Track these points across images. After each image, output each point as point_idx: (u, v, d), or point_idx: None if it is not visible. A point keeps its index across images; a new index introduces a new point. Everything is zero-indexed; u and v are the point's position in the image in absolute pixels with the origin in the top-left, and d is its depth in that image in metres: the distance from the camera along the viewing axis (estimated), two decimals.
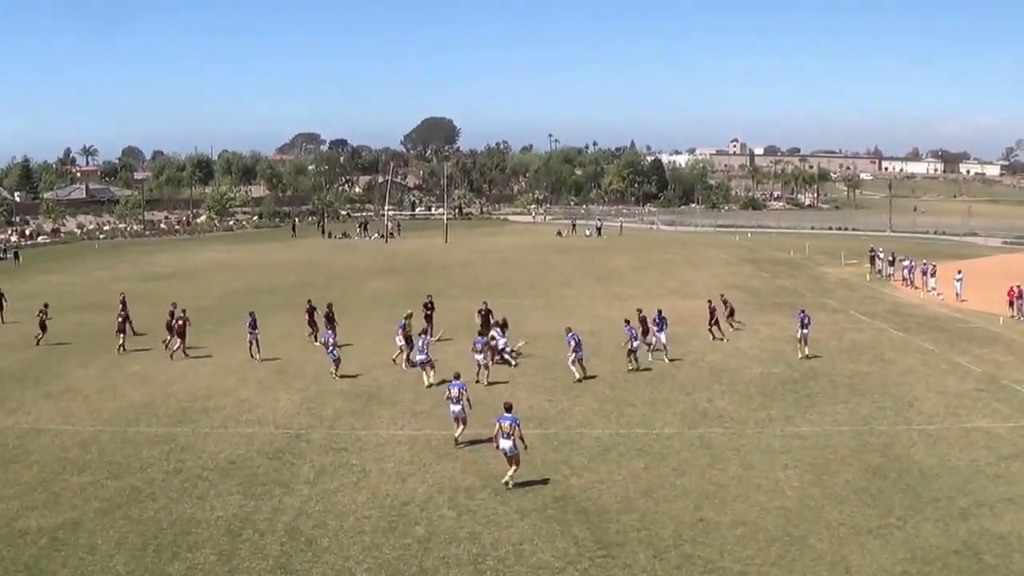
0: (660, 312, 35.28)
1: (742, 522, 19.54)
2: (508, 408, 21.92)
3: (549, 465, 23.11)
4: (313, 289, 52.39)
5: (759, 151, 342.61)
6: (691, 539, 18.71)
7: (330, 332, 33.43)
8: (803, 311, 35.66)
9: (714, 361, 34.32)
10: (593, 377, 31.78)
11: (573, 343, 31.52)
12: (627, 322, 33.12)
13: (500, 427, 21.37)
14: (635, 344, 32.49)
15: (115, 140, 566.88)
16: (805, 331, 34.71)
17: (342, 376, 31.88)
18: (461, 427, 24.40)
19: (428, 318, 39.03)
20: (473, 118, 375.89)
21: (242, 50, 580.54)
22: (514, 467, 21.50)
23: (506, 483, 21.42)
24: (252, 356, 34.50)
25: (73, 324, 43.52)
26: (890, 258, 61.79)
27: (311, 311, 38.56)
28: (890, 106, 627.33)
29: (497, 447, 21.61)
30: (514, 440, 21.29)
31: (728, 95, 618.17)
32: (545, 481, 21.95)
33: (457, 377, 24.94)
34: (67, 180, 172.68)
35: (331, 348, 32.25)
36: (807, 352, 34.47)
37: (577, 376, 31.40)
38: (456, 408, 24.25)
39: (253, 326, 34.87)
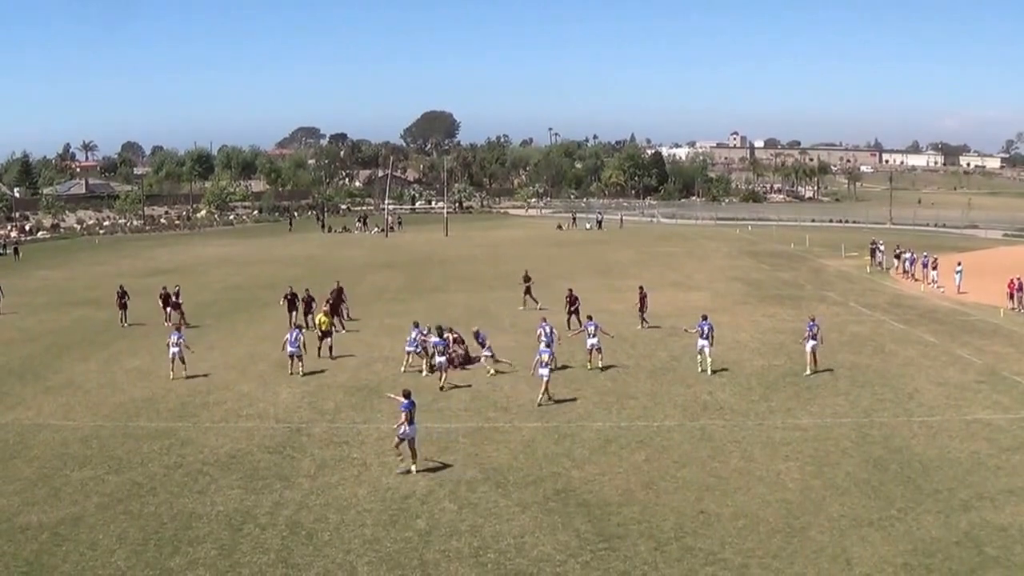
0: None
1: (743, 514, 19.53)
2: (407, 395, 22.51)
3: (550, 458, 23.11)
4: (313, 283, 52.32)
5: (759, 144, 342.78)
6: (692, 531, 18.71)
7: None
8: (813, 320, 31.94)
9: (715, 353, 34.23)
10: (564, 367, 31.90)
11: (545, 331, 31.53)
12: (590, 317, 32.50)
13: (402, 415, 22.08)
14: (594, 342, 31.52)
15: (114, 135, 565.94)
16: (814, 343, 31.04)
17: (336, 357, 32.95)
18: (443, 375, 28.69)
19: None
20: (473, 112, 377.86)
21: (242, 45, 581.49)
22: (410, 454, 22.23)
23: (407, 471, 22.04)
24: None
25: (73, 319, 43.52)
26: (897, 251, 61.29)
27: (308, 301, 39.84)
28: (890, 99, 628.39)
29: (400, 437, 22.10)
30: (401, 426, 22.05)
31: (728, 88, 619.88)
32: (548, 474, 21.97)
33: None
34: (67, 175, 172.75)
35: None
36: (816, 367, 31.12)
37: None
38: (440, 359, 29.06)
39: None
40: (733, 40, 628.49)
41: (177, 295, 41.81)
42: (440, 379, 29.77)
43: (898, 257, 60.44)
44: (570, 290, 40.12)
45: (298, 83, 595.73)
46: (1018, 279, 44.97)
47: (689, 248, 75.81)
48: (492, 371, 31.48)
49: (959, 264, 52.16)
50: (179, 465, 22.92)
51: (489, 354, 31.98)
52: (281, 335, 36.66)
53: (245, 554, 17.83)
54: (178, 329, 34.14)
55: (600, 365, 31.64)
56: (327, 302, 37.83)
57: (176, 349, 31.28)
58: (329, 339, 34.23)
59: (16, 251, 78.70)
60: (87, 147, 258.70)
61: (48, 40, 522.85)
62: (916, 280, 55.05)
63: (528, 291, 44.55)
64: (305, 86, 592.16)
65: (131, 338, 37.34)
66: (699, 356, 31.88)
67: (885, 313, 43.48)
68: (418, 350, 31.74)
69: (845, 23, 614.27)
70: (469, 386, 29.80)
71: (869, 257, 62.97)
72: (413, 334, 31.99)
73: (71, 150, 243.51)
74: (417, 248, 78.24)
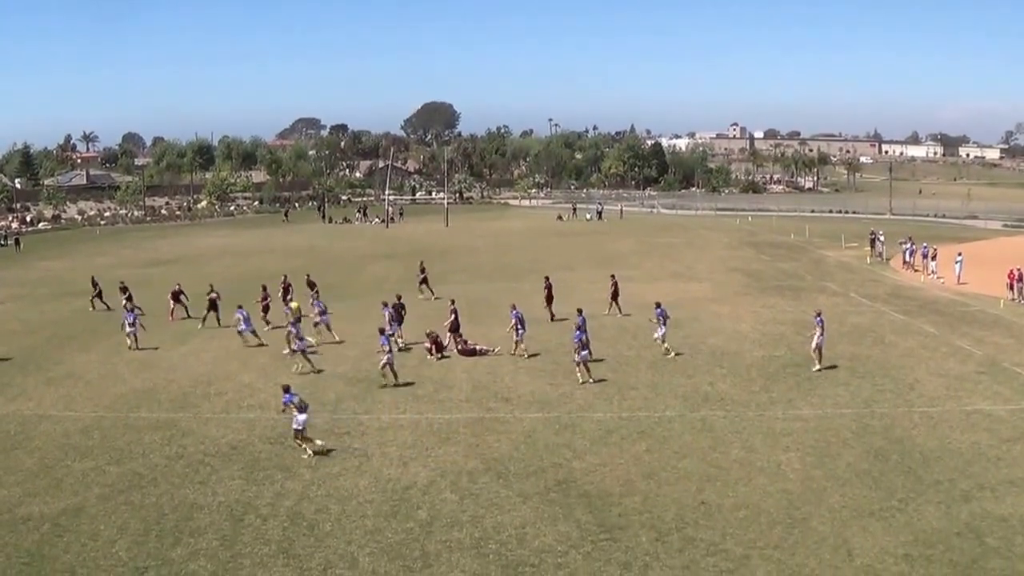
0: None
1: (744, 505, 19.57)
2: (286, 390, 23.57)
3: (551, 448, 23.14)
4: (313, 274, 52.33)
5: (759, 135, 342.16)
6: (693, 522, 18.74)
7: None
8: (819, 315, 31.19)
9: (715, 344, 34.31)
10: (537, 354, 31.96)
11: (515, 320, 32.34)
12: (579, 311, 32.28)
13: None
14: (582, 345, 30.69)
15: (115, 126, 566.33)
16: (822, 338, 30.47)
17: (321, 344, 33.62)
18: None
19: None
20: (473, 103, 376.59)
21: (242, 36, 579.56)
22: (298, 441, 22.91)
23: (313, 453, 22.72)
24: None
25: (74, 310, 43.53)
26: (908, 244, 60.59)
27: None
28: (890, 90, 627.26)
29: (296, 427, 22.87)
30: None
31: (728, 79, 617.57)
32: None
33: None
34: (67, 166, 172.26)
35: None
36: (823, 364, 30.47)
37: (514, 352, 32.43)
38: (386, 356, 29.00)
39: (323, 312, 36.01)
40: (733, 31, 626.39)
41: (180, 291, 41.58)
42: (383, 374, 29.25)
43: (908, 246, 59.17)
44: (547, 278, 40.83)
45: (299, 74, 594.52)
46: (1018, 269, 44.91)
47: (689, 239, 75.76)
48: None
49: (959, 255, 52.12)
50: (180, 456, 22.96)
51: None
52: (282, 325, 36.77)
53: (247, 545, 17.87)
54: (131, 311, 36.01)
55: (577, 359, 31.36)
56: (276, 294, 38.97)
57: (131, 329, 34.55)
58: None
59: (17, 242, 78.71)
60: (88, 138, 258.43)
61: (49, 31, 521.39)
62: (916, 271, 54.98)
63: (424, 281, 46.25)
64: (306, 77, 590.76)
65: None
66: (662, 343, 32.59)
67: (885, 304, 43.47)
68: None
69: (845, 14, 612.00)
70: (411, 383, 29.78)
71: (869, 247, 62.86)
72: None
73: (72, 141, 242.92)
74: (417, 239, 78.17)
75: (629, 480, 21.07)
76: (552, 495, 20.25)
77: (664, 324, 32.68)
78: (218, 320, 37.69)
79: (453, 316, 33.69)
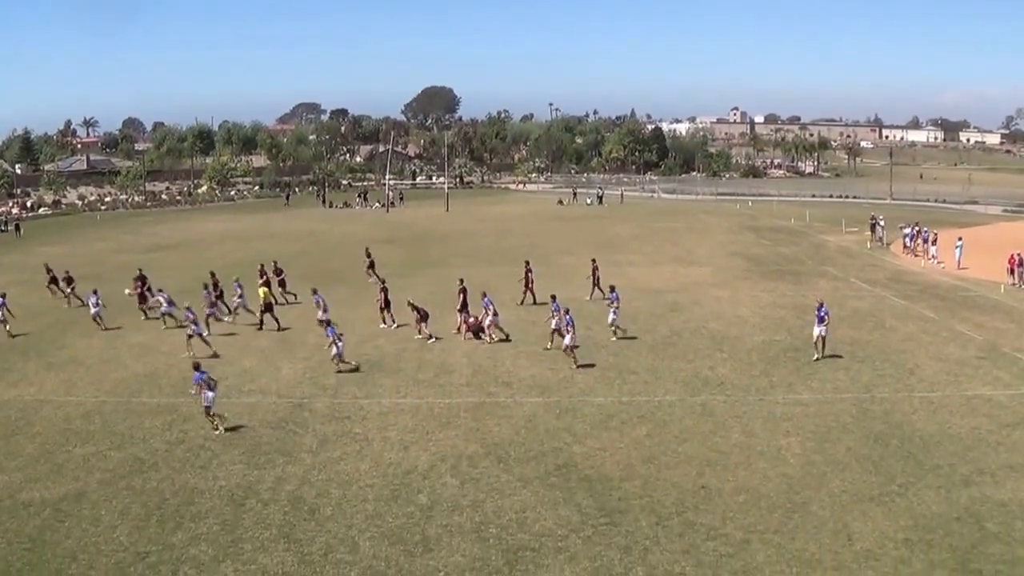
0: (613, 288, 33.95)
1: (744, 489, 19.61)
2: (196, 367, 24.18)
3: (552, 433, 23.18)
4: (314, 258, 52.43)
5: (759, 119, 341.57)
6: (693, 506, 18.79)
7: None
8: (822, 305, 30.36)
9: (716, 329, 34.31)
10: (509, 340, 32.43)
11: (491, 309, 32.44)
12: (553, 297, 32.05)
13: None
14: (555, 324, 30.79)
15: (116, 112, 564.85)
16: (822, 328, 29.78)
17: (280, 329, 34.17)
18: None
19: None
20: (473, 88, 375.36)
21: (243, 21, 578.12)
22: (209, 419, 23.71)
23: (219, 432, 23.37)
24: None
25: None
26: (904, 227, 60.30)
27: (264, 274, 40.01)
28: (890, 74, 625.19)
29: (206, 404, 23.66)
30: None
31: (728, 64, 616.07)
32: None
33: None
34: (68, 152, 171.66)
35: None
36: (824, 353, 30.02)
37: (495, 339, 32.44)
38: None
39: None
40: (733, 16, 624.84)
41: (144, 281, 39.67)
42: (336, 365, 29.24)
43: (920, 235, 58.21)
44: (527, 262, 40.60)
45: (299, 59, 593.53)
46: (1018, 254, 44.87)
47: (689, 223, 75.62)
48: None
49: (959, 239, 52.04)
50: (181, 441, 22.99)
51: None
52: (282, 310, 36.84)
53: (247, 529, 17.92)
54: (95, 292, 36.59)
55: (549, 346, 31.29)
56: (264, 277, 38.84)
57: (96, 309, 35.65)
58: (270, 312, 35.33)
59: (17, 228, 78.51)
60: (88, 123, 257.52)
61: (49, 17, 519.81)
62: (917, 256, 54.91)
63: (371, 266, 45.86)
64: (306, 62, 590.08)
65: (133, 314, 37.27)
66: (612, 327, 32.75)
67: (885, 288, 43.45)
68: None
69: None
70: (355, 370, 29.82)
71: (869, 232, 62.74)
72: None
73: (72, 126, 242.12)
74: (418, 223, 78.05)
75: (629, 464, 21.11)
76: (552, 479, 20.29)
77: (615, 309, 32.70)
78: (225, 305, 37.48)
79: (462, 296, 33.81)
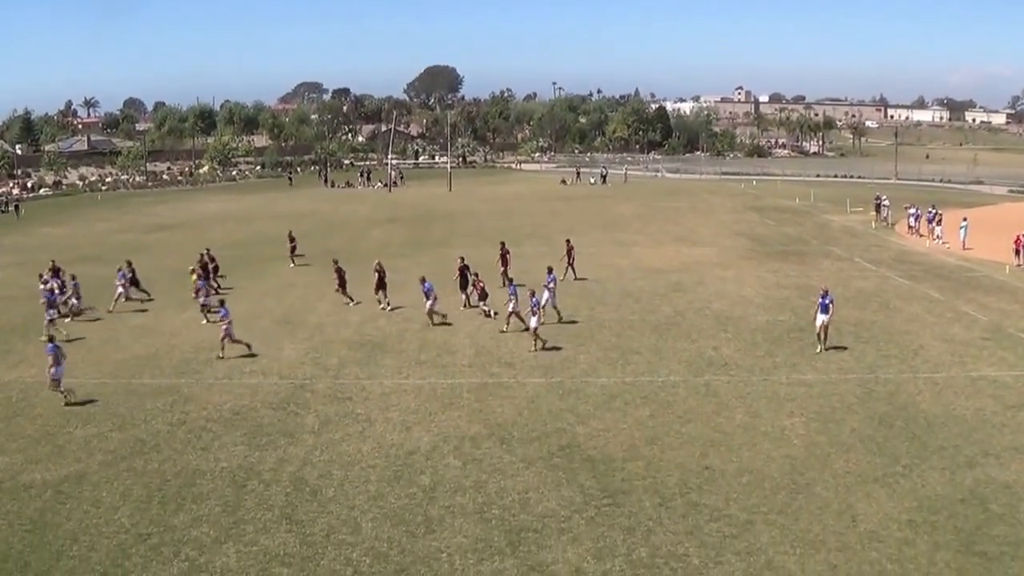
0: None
1: (748, 470, 19.53)
2: (50, 339, 25.17)
3: (555, 413, 23.09)
4: (316, 239, 52.26)
5: (764, 99, 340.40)
6: (697, 487, 18.71)
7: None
8: (826, 293, 28.85)
9: (719, 309, 34.18)
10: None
11: (431, 294, 32.17)
12: (511, 281, 31.96)
13: None
14: (512, 307, 30.73)
15: (117, 92, 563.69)
16: (825, 317, 28.33)
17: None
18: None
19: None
20: (476, 66, 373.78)
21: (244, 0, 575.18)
22: (58, 392, 24.37)
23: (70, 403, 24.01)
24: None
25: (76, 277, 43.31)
26: (909, 208, 59.68)
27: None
28: (896, 54, 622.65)
29: (53, 378, 24.28)
30: None
31: (733, 43, 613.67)
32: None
33: None
34: (68, 132, 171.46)
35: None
36: (827, 344, 28.68)
37: (434, 322, 32.28)
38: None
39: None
40: None
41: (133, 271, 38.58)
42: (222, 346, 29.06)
43: (925, 216, 57.16)
44: (502, 243, 40.06)
45: (300, 38, 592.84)
46: None
47: (693, 203, 75.38)
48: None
49: (964, 220, 51.80)
50: (182, 422, 22.93)
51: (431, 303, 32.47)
52: (283, 291, 36.74)
53: (249, 510, 17.87)
54: (74, 279, 36.23)
55: (505, 328, 31.08)
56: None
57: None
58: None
59: (17, 208, 78.29)
60: (89, 103, 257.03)
61: None
62: (921, 236, 54.68)
63: (293, 251, 45.66)
64: (307, 41, 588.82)
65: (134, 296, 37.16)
66: (553, 310, 32.38)
67: (890, 269, 43.26)
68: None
69: None
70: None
71: (874, 212, 62.52)
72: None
73: (73, 106, 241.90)
74: (420, 203, 77.85)
75: (633, 445, 21.03)
76: (555, 460, 20.21)
77: (552, 291, 32.13)
78: (218, 286, 37.36)
79: (463, 274, 33.85)
